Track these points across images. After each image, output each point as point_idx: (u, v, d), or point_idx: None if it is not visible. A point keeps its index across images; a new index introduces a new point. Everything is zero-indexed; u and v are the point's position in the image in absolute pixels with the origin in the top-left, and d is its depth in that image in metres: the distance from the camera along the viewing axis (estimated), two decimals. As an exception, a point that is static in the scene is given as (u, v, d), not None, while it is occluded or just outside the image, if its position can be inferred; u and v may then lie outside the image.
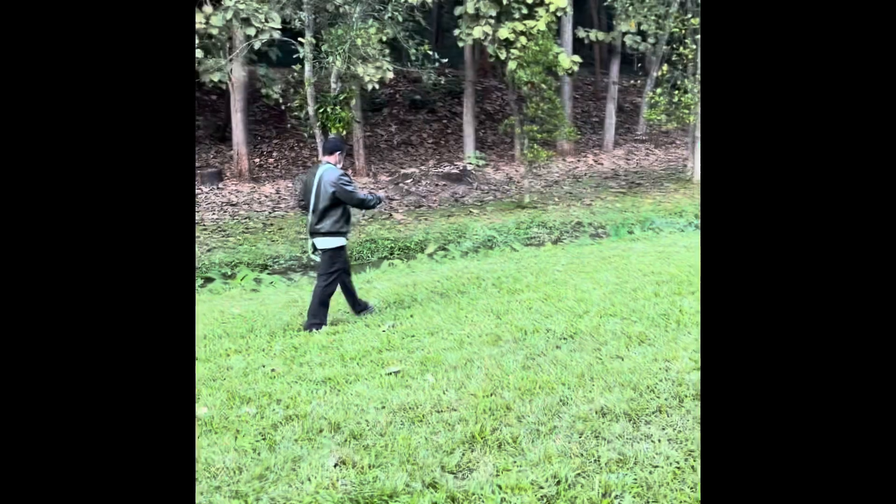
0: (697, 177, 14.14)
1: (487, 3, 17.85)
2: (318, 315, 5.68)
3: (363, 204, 5.83)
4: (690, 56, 13.56)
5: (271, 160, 19.29)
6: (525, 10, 18.36)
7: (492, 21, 17.78)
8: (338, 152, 5.86)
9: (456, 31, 17.96)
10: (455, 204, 13.73)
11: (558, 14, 18.13)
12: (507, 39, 17.92)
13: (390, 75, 17.13)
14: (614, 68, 21.45)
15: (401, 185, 16.06)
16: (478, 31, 17.40)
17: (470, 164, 15.48)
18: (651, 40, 14.07)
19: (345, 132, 15.52)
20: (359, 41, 16.56)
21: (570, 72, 18.68)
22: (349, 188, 5.66)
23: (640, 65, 20.92)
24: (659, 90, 14.31)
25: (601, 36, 20.74)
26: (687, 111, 13.39)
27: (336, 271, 5.76)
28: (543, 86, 14.35)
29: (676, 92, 13.73)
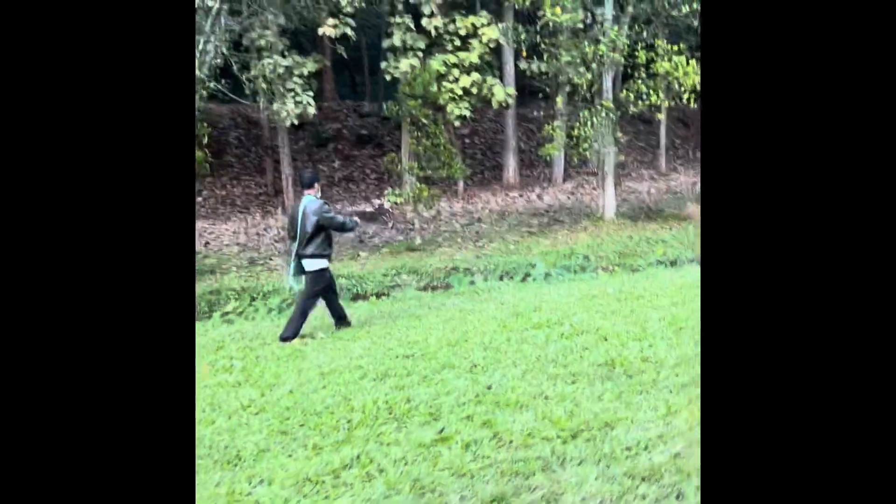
0: (609, 214, 13.36)
1: (415, 35, 17.29)
2: (296, 324, 6.41)
3: (343, 227, 6.70)
4: (585, 85, 12.85)
5: (200, 198, 18.66)
6: (458, 42, 17.80)
7: (420, 54, 17.20)
8: (316, 183, 6.68)
9: (383, 65, 17.37)
10: (359, 245, 13.00)
11: (491, 45, 17.55)
12: (437, 72, 17.32)
13: (311, 111, 16.53)
14: (560, 100, 20.83)
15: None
16: (404, 65, 16.79)
17: (388, 201, 14.75)
18: (584, 71, 13.36)
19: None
20: (272, 76, 16.00)
21: (504, 104, 18.04)
22: (329, 215, 6.49)
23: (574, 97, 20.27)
24: (556, 123, 13.56)
25: (544, 67, 20.10)
26: (587, 145, 12.63)
27: (319, 290, 6.54)
28: (424, 120, 13.66)
29: (577, 125, 12.96)
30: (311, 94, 16.52)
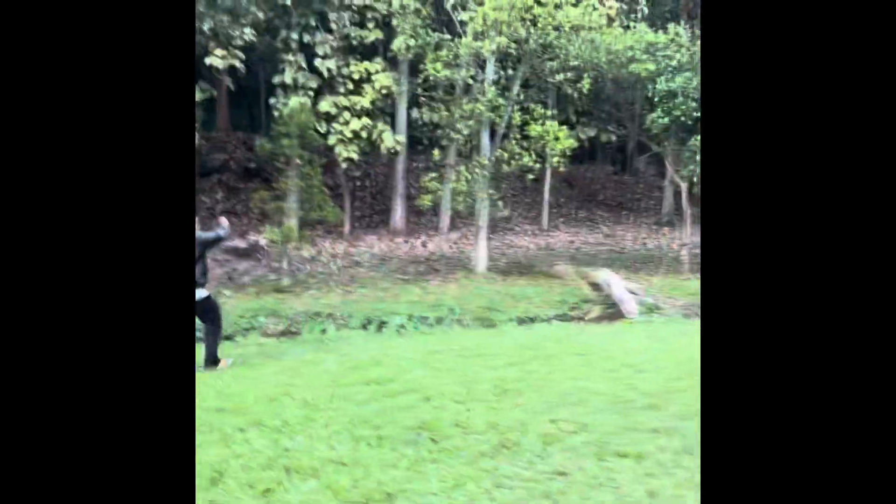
0: (480, 267, 13.55)
1: (307, 74, 17.20)
2: (210, 356, 6.49)
3: (218, 238, 6.74)
4: (462, 140, 13.11)
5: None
6: (351, 86, 17.81)
7: (310, 93, 17.09)
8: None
9: (272, 100, 17.15)
10: (227, 282, 12.55)
11: (383, 92, 17.66)
12: (327, 113, 17.25)
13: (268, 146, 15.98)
14: (451, 150, 21.14)
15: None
16: (294, 102, 16.61)
17: (265, 238, 14.40)
18: (461, 127, 13.58)
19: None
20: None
21: (393, 151, 18.14)
22: (201, 234, 6.46)
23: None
24: (432, 175, 13.76)
25: (436, 118, 20.39)
26: (460, 199, 12.83)
27: (212, 317, 6.57)
28: (298, 161, 13.57)
29: (453, 179, 13.15)
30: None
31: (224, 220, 6.96)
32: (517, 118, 12.70)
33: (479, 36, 12.13)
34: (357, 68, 17.43)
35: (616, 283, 10.50)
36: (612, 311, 9.81)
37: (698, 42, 12.58)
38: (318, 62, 17.16)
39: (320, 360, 6.45)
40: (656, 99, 13.27)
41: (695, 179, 13.51)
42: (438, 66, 12.19)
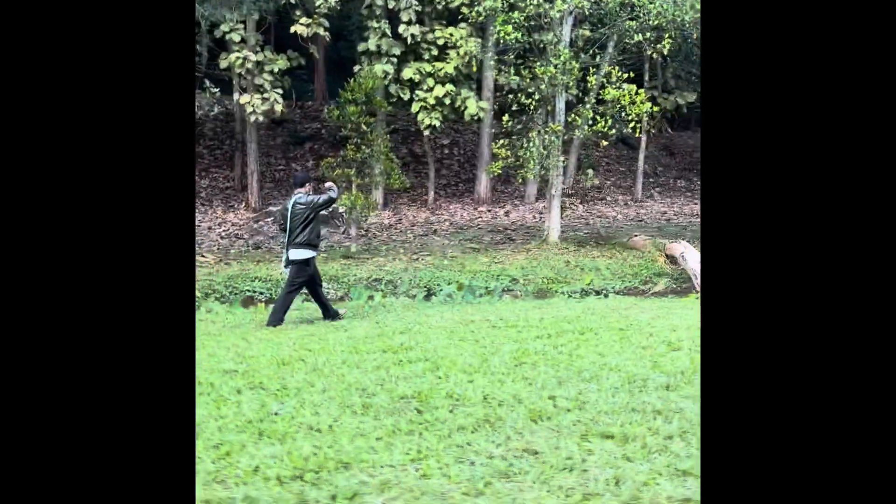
0: (553, 237, 13.14)
1: (391, 41, 17.16)
2: (279, 314, 7.06)
3: (329, 201, 7.28)
4: (533, 106, 12.63)
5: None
6: (435, 52, 17.64)
7: (394, 60, 17.06)
8: (307, 184, 7.50)
9: (356, 68, 17.24)
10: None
11: (468, 58, 17.37)
12: (411, 80, 17.19)
13: (279, 108, 16.40)
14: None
15: (260, 222, 15.21)
16: (378, 69, 16.65)
17: (343, 206, 14.61)
18: (533, 92, 13.08)
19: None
20: (239, 70, 15.90)
21: (476, 118, 17.88)
22: (314, 199, 7.12)
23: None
24: (502, 142, 13.36)
25: (512, 82, 19.83)
26: (531, 165, 12.41)
27: (300, 281, 7.12)
28: (365, 128, 13.50)
29: (526, 144, 12.73)
30: (280, 91, 16.41)
31: (331, 184, 7.57)
32: (592, 81, 12.16)
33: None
34: (441, 34, 17.22)
35: (692, 257, 9.93)
36: (682, 286, 9.28)
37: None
38: (401, 28, 17.07)
39: (353, 326, 6.47)
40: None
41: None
42: (509, 28, 11.80)
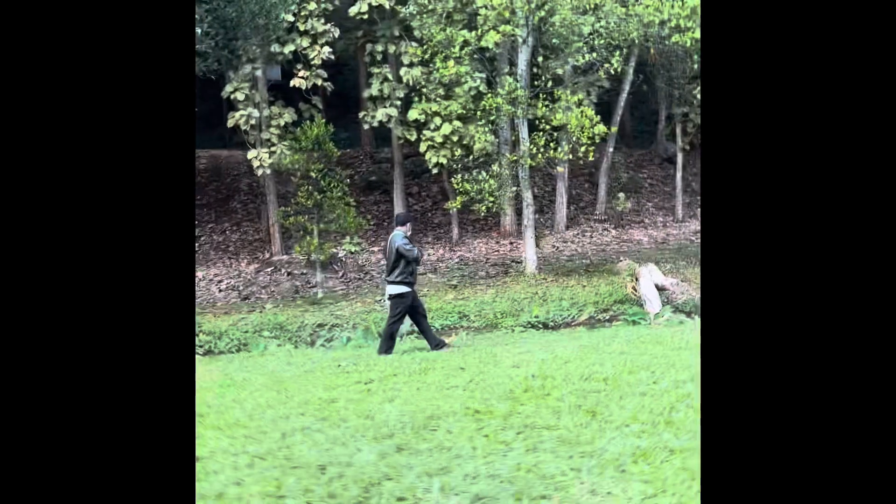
0: (530, 268, 12.74)
1: (394, 84, 17.41)
2: (386, 344, 7.66)
3: (416, 260, 7.76)
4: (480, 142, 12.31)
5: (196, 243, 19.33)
6: (442, 92, 17.74)
7: (397, 103, 17.27)
8: (408, 223, 8.11)
9: (361, 114, 17.57)
10: (285, 296, 13.00)
11: (472, 93, 17.37)
12: (416, 120, 17.33)
13: (287, 161, 16.84)
14: (564, 142, 20.39)
15: (262, 272, 15.54)
16: (380, 114, 16.92)
17: (344, 250, 14.79)
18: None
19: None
20: (245, 127, 16.48)
21: (484, 152, 17.77)
22: (407, 247, 7.59)
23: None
24: (460, 176, 13.10)
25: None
26: (492, 199, 12.09)
27: (399, 313, 7.66)
28: (313, 174, 13.56)
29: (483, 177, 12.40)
30: (286, 143, 16.91)
31: (418, 250, 7.95)
32: (541, 108, 11.85)
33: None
34: (445, 72, 17.32)
35: (646, 280, 9.42)
36: (609, 316, 8.81)
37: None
38: (402, 72, 17.30)
39: (250, 379, 6.47)
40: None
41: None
42: (450, 63, 11.72)
